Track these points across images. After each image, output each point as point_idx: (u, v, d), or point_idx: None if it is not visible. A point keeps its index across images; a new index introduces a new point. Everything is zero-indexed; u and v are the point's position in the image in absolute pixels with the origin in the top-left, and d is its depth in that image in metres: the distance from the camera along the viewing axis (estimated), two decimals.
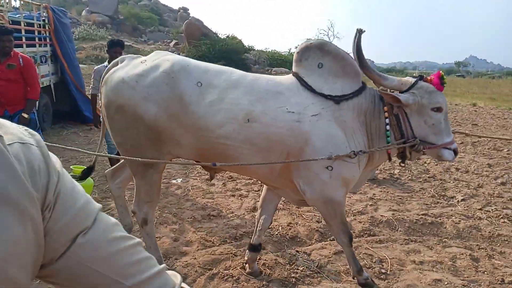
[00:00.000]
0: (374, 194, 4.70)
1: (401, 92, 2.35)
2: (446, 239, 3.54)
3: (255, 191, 4.66)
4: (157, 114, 2.23)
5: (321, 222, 3.79)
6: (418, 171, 5.65)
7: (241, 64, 32.32)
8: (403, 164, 2.54)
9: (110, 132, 2.44)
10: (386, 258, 3.13)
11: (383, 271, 2.93)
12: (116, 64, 2.45)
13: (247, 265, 2.83)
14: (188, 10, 37.23)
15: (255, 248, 2.78)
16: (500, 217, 4.09)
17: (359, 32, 2.35)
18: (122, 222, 2.88)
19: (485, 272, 2.98)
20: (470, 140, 7.85)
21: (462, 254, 3.24)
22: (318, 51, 2.39)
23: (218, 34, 29.10)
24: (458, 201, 4.55)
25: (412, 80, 2.38)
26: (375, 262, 3.08)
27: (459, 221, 3.91)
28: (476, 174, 5.73)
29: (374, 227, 3.73)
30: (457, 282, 2.79)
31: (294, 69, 2.47)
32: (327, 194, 2.35)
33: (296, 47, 2.51)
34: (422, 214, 4.01)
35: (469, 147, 7.46)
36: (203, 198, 4.33)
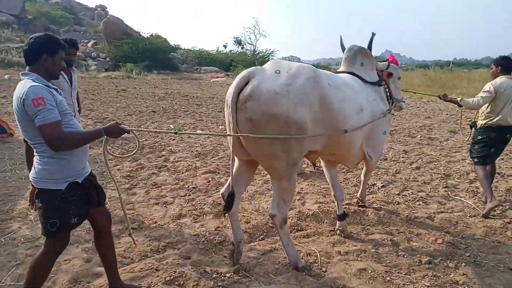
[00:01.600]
0: (301, 188, 4.73)
1: (382, 71, 3.56)
2: (368, 227, 3.65)
3: (181, 196, 4.42)
4: (307, 116, 2.52)
5: (250, 223, 3.70)
6: None
7: (168, 64, 31.04)
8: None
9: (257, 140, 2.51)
10: (315, 251, 3.13)
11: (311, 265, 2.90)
12: (247, 77, 2.49)
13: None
14: (106, 8, 35.07)
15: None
16: (416, 200, 4.36)
17: (373, 34, 3.41)
18: (237, 236, 2.93)
19: (405, 256, 3.10)
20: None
21: (384, 240, 3.35)
22: (360, 54, 3.35)
23: (141, 33, 27.86)
24: (378, 188, 4.77)
25: (386, 63, 3.65)
26: (303, 257, 3.05)
27: (380, 207, 4.08)
28: (393, 161, 6.09)
29: (302, 222, 3.73)
30: (380, 269, 2.86)
31: (347, 68, 3.34)
32: (381, 151, 3.55)
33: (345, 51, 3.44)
34: (346, 204, 4.10)
35: None
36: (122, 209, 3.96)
